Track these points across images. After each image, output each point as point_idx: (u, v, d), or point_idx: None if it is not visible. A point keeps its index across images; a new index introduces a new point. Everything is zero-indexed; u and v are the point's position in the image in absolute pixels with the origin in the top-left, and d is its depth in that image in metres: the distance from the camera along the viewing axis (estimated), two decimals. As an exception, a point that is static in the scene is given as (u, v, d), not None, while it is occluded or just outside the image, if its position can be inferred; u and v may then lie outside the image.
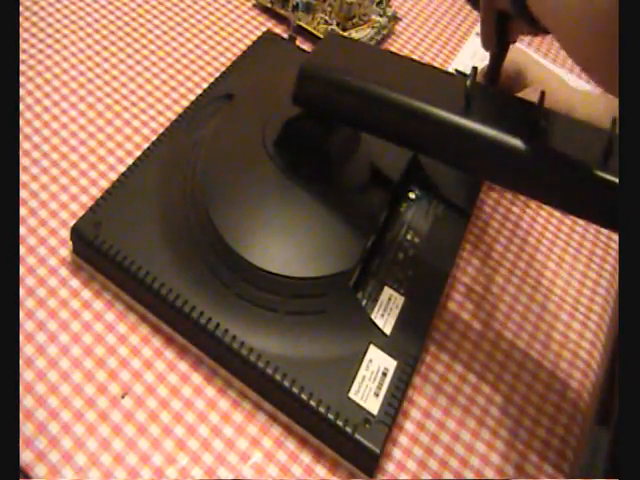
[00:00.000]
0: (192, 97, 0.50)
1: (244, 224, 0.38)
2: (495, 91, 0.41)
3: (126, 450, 0.34)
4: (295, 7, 0.57)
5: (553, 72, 0.49)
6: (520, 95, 0.45)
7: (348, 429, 0.34)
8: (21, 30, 0.52)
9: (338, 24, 0.57)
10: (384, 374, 0.36)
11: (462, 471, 0.37)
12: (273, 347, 0.36)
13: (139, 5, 0.57)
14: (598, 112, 0.42)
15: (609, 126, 0.32)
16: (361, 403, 0.35)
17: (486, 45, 0.41)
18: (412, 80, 0.36)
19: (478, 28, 0.64)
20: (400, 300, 0.39)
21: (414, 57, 0.59)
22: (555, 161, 0.32)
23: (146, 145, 0.44)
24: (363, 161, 0.42)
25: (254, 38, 0.54)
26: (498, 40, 0.39)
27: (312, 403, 0.34)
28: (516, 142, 0.32)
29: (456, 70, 0.59)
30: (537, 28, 0.32)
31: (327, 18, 0.57)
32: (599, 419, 0.40)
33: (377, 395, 0.35)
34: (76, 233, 0.39)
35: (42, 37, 0.53)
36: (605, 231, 0.51)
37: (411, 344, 0.37)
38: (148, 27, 0.55)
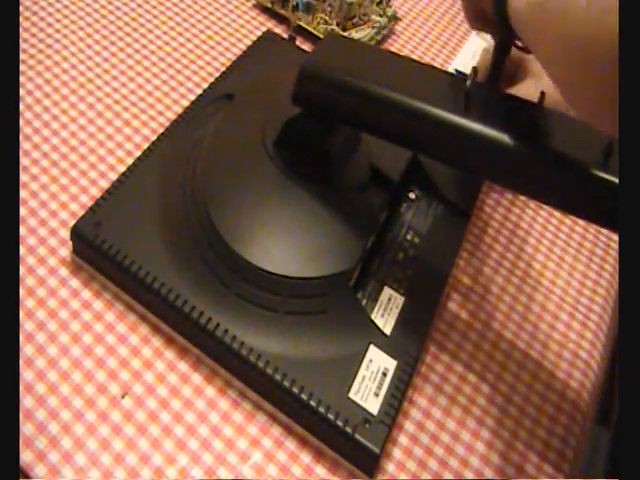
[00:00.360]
0: (192, 97, 0.50)
1: (244, 224, 0.38)
2: (495, 91, 0.41)
3: (126, 450, 0.34)
4: (295, 7, 0.57)
5: None
6: (520, 86, 0.44)
7: (348, 429, 0.34)
8: (21, 30, 0.52)
9: (338, 24, 0.57)
10: (384, 374, 0.36)
11: (462, 471, 0.37)
12: (273, 347, 0.36)
13: (139, 5, 0.57)
14: None
15: None
16: (361, 403, 0.35)
17: (470, 22, 0.39)
18: (412, 80, 0.36)
19: (478, 28, 0.64)
20: (400, 300, 0.39)
21: (414, 57, 0.59)
22: (555, 161, 0.32)
23: (146, 145, 0.44)
24: (363, 161, 0.42)
25: (254, 38, 0.54)
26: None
27: (312, 403, 0.34)
28: (516, 142, 0.32)
29: (456, 70, 0.59)
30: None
31: (327, 18, 0.57)
32: (599, 419, 0.40)
33: (377, 395, 0.35)
34: (76, 233, 0.39)
35: (42, 37, 0.53)
36: (605, 231, 0.51)
37: (411, 344, 0.37)
38: (148, 27, 0.55)
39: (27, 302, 0.39)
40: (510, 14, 0.30)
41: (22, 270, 0.40)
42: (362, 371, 0.36)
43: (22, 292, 0.39)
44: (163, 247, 0.38)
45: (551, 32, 0.26)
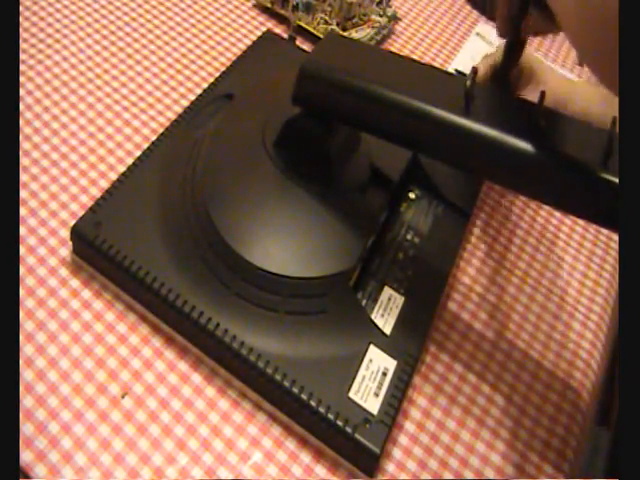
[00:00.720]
0: (192, 97, 0.50)
1: (244, 224, 0.38)
2: (495, 91, 0.41)
3: (126, 450, 0.34)
4: (295, 7, 0.57)
5: (552, 67, 0.49)
6: (523, 92, 0.44)
7: (348, 429, 0.34)
8: (21, 30, 0.52)
9: (338, 24, 0.57)
10: (384, 374, 0.36)
11: (462, 471, 0.37)
12: (273, 347, 0.36)
13: (139, 5, 0.57)
14: (595, 104, 0.42)
15: (606, 116, 0.32)
16: (361, 403, 0.35)
17: (502, 30, 0.39)
18: (412, 80, 0.36)
19: (478, 28, 0.64)
20: (400, 300, 0.39)
21: (414, 57, 0.59)
22: (555, 161, 0.32)
23: (146, 145, 0.44)
24: (363, 161, 0.42)
25: (254, 38, 0.54)
26: (513, 29, 0.38)
27: (312, 403, 0.34)
28: (516, 142, 0.32)
29: (456, 70, 0.59)
30: (546, 14, 0.32)
31: (327, 18, 0.57)
32: (599, 419, 0.40)
33: (377, 395, 0.35)
34: (76, 233, 0.39)
35: (42, 37, 0.53)
36: (605, 231, 0.51)
37: (411, 344, 0.37)
38: (148, 27, 0.55)
39: (27, 302, 0.39)
40: None
41: (22, 270, 0.40)
42: (362, 371, 0.36)
43: (22, 292, 0.39)
44: (163, 247, 0.38)
45: None
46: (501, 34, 0.40)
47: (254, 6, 0.60)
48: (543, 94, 0.33)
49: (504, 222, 0.49)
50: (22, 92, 0.49)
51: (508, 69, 0.41)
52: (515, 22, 0.38)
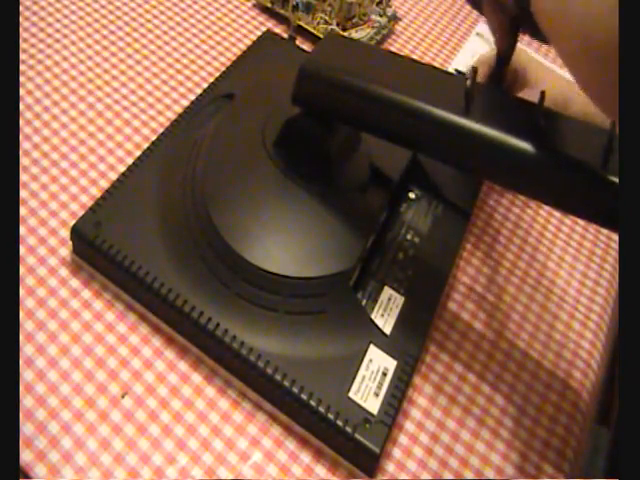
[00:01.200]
0: (192, 97, 0.50)
1: (244, 224, 0.38)
2: (495, 91, 0.41)
3: (126, 450, 0.34)
4: (295, 7, 0.57)
5: (550, 68, 0.49)
6: (519, 95, 0.45)
7: (348, 429, 0.34)
8: (21, 30, 0.52)
9: (338, 24, 0.57)
10: (384, 374, 0.36)
11: (462, 471, 0.37)
12: (273, 347, 0.36)
13: (139, 5, 0.57)
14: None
15: (605, 116, 0.32)
16: (361, 403, 0.35)
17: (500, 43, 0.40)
18: (412, 80, 0.36)
19: (478, 28, 0.64)
20: (400, 300, 0.39)
21: (414, 57, 0.59)
22: (555, 161, 0.32)
23: (146, 145, 0.44)
24: (363, 161, 0.42)
25: (254, 38, 0.54)
26: (508, 36, 0.39)
27: (312, 403, 0.34)
28: (516, 142, 0.32)
29: (456, 70, 0.59)
30: (539, 35, 0.32)
31: (327, 18, 0.57)
32: (599, 419, 0.40)
33: (377, 395, 0.35)
34: (76, 233, 0.39)
35: (42, 37, 0.53)
36: (605, 231, 0.51)
37: (411, 344, 0.37)
38: (148, 27, 0.55)
39: (27, 302, 0.39)
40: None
41: (22, 270, 0.40)
42: (362, 371, 0.36)
43: (22, 292, 0.39)
44: (163, 247, 0.38)
45: (567, 27, 0.27)
46: (500, 45, 0.40)
47: (254, 6, 0.60)
48: (543, 94, 0.33)
49: (504, 222, 0.49)
50: (22, 92, 0.49)
51: (501, 72, 0.41)
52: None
